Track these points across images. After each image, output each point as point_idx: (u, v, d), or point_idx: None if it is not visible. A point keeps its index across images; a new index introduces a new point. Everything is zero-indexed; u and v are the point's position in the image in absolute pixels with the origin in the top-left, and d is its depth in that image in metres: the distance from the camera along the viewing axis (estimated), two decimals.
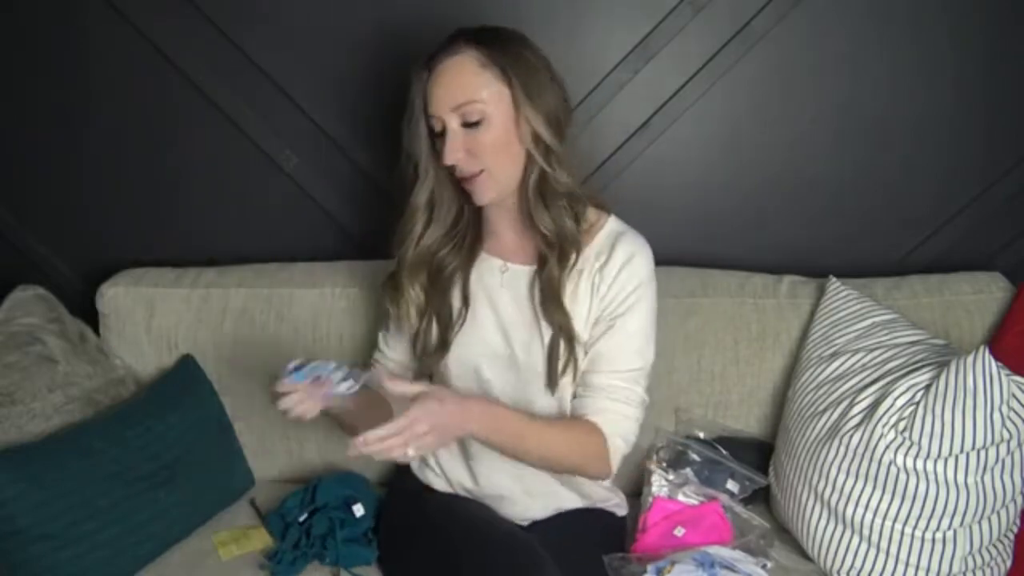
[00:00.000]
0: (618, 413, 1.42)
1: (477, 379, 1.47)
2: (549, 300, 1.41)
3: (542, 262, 1.43)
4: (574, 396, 1.45)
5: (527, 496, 1.51)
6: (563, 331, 1.41)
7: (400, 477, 1.64)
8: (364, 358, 1.74)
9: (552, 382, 1.43)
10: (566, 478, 1.50)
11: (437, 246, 1.45)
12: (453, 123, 1.34)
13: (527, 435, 1.36)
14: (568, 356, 1.42)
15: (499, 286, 1.47)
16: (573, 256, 1.41)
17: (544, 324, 1.43)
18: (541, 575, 1.30)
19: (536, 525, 1.51)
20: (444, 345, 1.47)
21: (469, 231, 1.47)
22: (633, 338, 1.43)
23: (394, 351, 1.58)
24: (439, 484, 1.55)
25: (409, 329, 1.52)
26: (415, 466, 1.60)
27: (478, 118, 1.33)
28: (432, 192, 1.43)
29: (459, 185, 1.42)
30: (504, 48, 1.36)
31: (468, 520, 1.46)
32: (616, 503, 1.61)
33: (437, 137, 1.37)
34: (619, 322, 1.42)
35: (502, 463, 1.46)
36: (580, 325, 1.43)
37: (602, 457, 1.41)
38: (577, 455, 1.40)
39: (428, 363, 1.50)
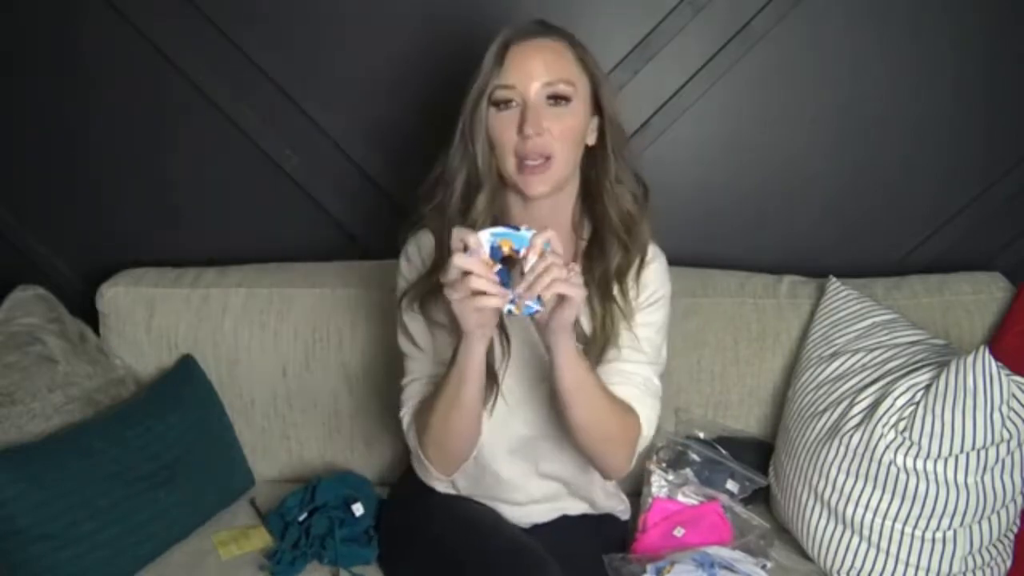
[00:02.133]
0: (649, 406, 1.40)
1: (524, 410, 1.42)
2: (598, 300, 1.38)
3: (592, 263, 1.39)
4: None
5: (531, 502, 1.51)
6: (608, 331, 1.38)
7: (402, 477, 1.64)
8: (364, 358, 1.74)
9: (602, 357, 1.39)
10: (575, 488, 1.50)
11: None
12: (537, 97, 1.31)
13: (590, 382, 1.31)
14: (600, 354, 1.39)
15: None
16: (639, 240, 1.40)
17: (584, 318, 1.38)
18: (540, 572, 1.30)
19: (538, 528, 1.51)
20: (496, 388, 1.38)
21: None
22: (659, 331, 1.44)
23: (418, 364, 1.46)
24: (441, 486, 1.55)
25: (430, 353, 1.43)
26: (417, 467, 1.59)
27: (569, 95, 1.32)
28: (473, 185, 1.35)
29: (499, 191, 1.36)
30: (587, 51, 1.37)
31: (471, 521, 1.46)
32: (621, 509, 1.61)
33: (501, 109, 1.31)
34: (645, 313, 1.42)
35: (509, 468, 1.46)
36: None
37: (632, 444, 1.38)
38: (617, 431, 1.36)
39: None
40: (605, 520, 1.57)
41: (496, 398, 1.39)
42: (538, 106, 1.31)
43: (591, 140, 1.38)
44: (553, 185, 1.34)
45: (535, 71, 1.31)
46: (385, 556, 1.56)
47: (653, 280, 1.43)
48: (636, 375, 1.39)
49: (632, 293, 1.41)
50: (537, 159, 1.31)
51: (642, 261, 1.42)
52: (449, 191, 1.36)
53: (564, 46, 1.35)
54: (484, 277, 1.16)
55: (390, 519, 1.59)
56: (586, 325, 1.40)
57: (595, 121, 1.38)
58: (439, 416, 1.34)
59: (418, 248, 1.45)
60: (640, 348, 1.41)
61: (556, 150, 1.32)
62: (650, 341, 1.42)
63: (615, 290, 1.39)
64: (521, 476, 1.47)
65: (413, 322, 1.43)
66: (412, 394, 1.45)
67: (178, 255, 1.93)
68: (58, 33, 1.88)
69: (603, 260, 1.39)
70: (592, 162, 1.40)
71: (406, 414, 1.44)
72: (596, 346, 1.39)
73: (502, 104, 1.32)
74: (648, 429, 1.39)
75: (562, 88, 1.32)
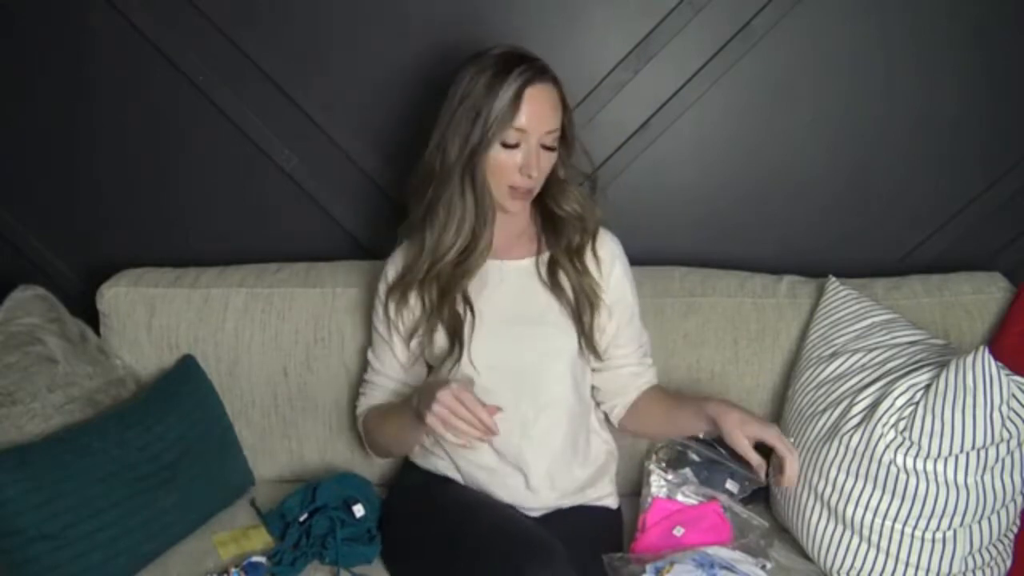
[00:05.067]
0: (650, 366, 1.67)
1: (492, 375, 1.53)
2: (573, 269, 1.55)
3: (556, 244, 1.57)
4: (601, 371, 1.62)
5: (529, 493, 1.53)
6: (588, 292, 1.55)
7: (403, 471, 1.66)
8: (364, 358, 1.74)
9: (591, 346, 1.56)
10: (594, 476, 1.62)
11: (453, 259, 1.51)
12: (536, 142, 1.45)
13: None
14: (592, 316, 1.55)
15: (499, 282, 1.55)
16: (590, 224, 1.58)
17: (559, 293, 1.55)
18: (551, 562, 1.32)
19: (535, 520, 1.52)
20: (459, 349, 1.52)
21: (475, 245, 1.52)
22: (636, 310, 1.64)
23: (389, 367, 1.64)
24: (450, 472, 1.58)
25: (404, 339, 1.59)
26: (419, 454, 1.64)
27: (556, 144, 1.49)
28: (471, 202, 1.48)
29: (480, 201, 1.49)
30: (563, 86, 1.49)
31: (473, 509, 1.48)
32: (610, 495, 1.63)
33: (510, 148, 1.44)
34: (618, 313, 1.60)
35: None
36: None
37: None
38: None
39: (443, 370, 1.55)
40: (596, 510, 1.60)
41: (459, 357, 1.52)
42: (538, 150, 1.46)
43: (563, 157, 1.55)
44: (528, 204, 1.54)
45: (544, 119, 1.45)
46: (388, 552, 1.57)
47: (619, 284, 1.60)
48: (643, 362, 1.64)
49: (592, 265, 1.58)
50: (526, 192, 1.48)
51: (594, 241, 1.58)
52: (434, 209, 1.49)
53: (554, 90, 1.47)
54: (474, 426, 1.35)
55: (393, 514, 1.60)
56: (569, 292, 1.56)
57: None
58: (383, 442, 1.62)
59: (403, 255, 1.58)
60: (642, 331, 1.65)
61: (538, 184, 1.50)
62: (639, 337, 1.64)
63: (577, 264, 1.56)
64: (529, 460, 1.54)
65: (391, 323, 1.59)
66: (369, 400, 1.65)
67: (178, 255, 1.93)
68: (58, 33, 1.89)
69: (564, 236, 1.57)
70: None
71: (361, 414, 1.65)
72: (584, 309, 1.55)
73: (512, 146, 1.45)
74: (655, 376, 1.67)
75: (555, 137, 1.48)
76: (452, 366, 1.53)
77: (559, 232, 1.57)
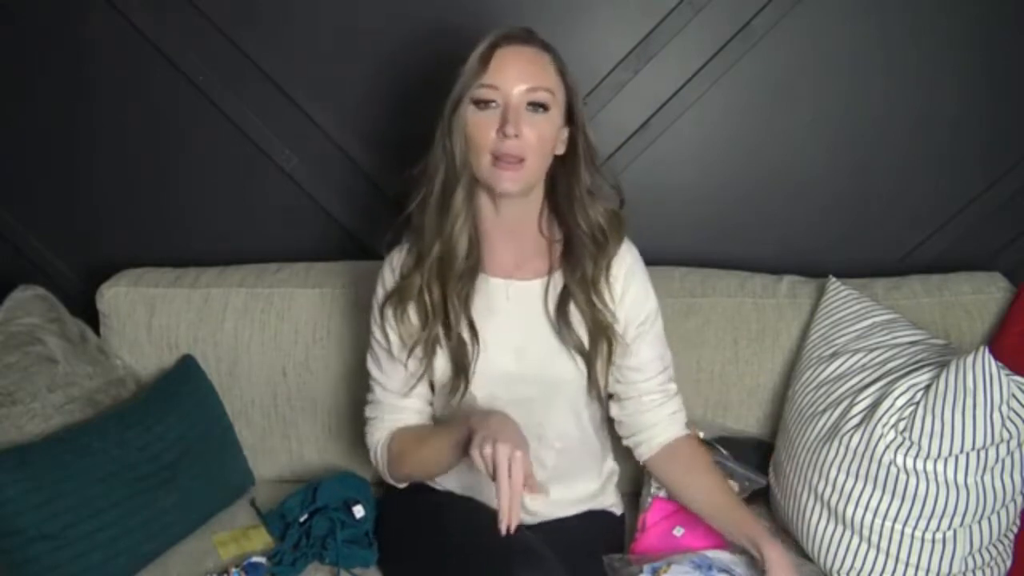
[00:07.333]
0: (681, 410, 1.55)
1: (493, 404, 1.44)
2: (586, 303, 1.45)
3: (570, 272, 1.45)
4: (623, 407, 1.53)
5: (527, 515, 1.51)
6: (603, 326, 1.45)
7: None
8: (364, 358, 1.74)
9: (594, 384, 1.47)
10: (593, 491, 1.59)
11: (453, 269, 1.42)
12: (518, 100, 1.35)
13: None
14: (609, 354, 1.46)
15: (505, 301, 1.46)
16: (611, 247, 1.47)
17: (566, 333, 1.44)
18: (542, 565, 1.31)
19: (533, 526, 1.51)
20: (464, 378, 1.44)
21: (472, 256, 1.44)
22: (662, 339, 1.54)
23: (391, 379, 1.50)
24: (447, 483, 1.56)
25: (406, 349, 1.46)
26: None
27: (548, 103, 1.36)
28: (459, 193, 1.39)
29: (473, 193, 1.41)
30: (566, 65, 1.42)
31: (467, 517, 1.46)
32: (613, 503, 1.62)
33: (482, 108, 1.36)
34: (646, 340, 1.50)
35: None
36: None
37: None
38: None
39: (448, 398, 1.46)
40: (600, 516, 1.58)
41: (464, 392, 1.44)
42: (519, 109, 1.35)
43: (560, 150, 1.42)
44: (523, 185, 1.38)
45: (519, 75, 1.35)
46: (383, 557, 1.56)
47: (636, 303, 1.49)
48: (666, 389, 1.53)
49: (607, 295, 1.46)
50: (511, 159, 1.35)
51: (609, 264, 1.47)
52: (430, 186, 1.40)
53: (547, 57, 1.39)
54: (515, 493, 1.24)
55: (387, 520, 1.60)
56: (581, 331, 1.45)
57: (566, 131, 1.42)
58: (417, 471, 1.49)
59: (401, 257, 1.48)
60: (664, 354, 1.53)
61: (529, 154, 1.36)
62: (662, 358, 1.53)
63: (592, 296, 1.45)
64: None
65: (391, 331, 1.47)
66: (379, 426, 1.52)
67: (178, 255, 1.93)
68: (58, 33, 1.89)
69: (580, 265, 1.45)
70: (564, 171, 1.44)
71: (377, 445, 1.51)
72: (601, 345, 1.45)
73: (483, 104, 1.35)
74: (686, 425, 1.55)
75: (542, 95, 1.36)
76: (457, 400, 1.45)
77: (575, 257, 1.45)
